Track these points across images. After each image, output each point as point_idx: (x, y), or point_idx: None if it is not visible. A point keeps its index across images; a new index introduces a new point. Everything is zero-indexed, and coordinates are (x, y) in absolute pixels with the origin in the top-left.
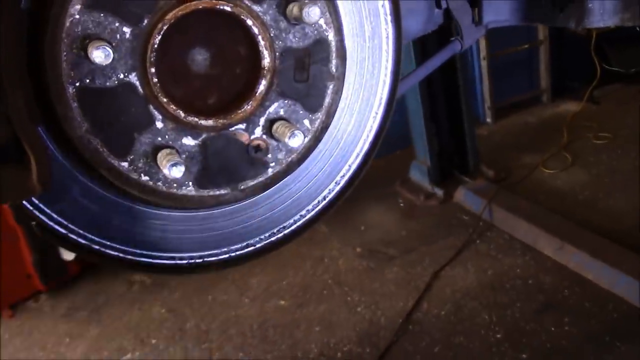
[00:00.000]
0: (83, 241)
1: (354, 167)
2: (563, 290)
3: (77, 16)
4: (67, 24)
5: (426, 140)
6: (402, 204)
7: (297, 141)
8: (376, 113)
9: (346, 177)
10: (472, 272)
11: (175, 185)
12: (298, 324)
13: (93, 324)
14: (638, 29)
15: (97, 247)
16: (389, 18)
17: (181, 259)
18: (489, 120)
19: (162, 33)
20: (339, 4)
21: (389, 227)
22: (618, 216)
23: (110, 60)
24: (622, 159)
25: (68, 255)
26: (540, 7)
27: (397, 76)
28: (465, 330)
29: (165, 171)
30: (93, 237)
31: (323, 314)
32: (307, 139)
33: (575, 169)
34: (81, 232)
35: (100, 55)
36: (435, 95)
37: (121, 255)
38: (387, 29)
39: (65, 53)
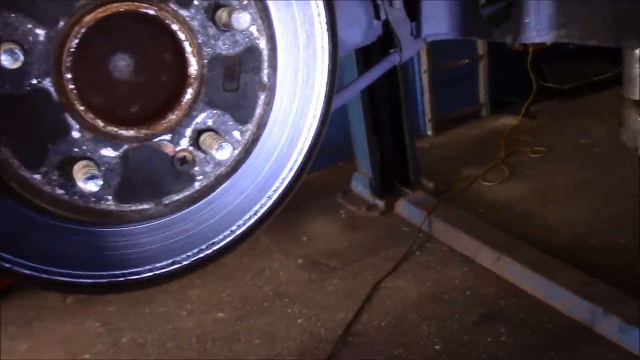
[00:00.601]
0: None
1: (287, 180)
2: (500, 302)
3: None
4: None
5: (368, 152)
6: (344, 215)
7: (225, 153)
8: (311, 125)
9: (279, 191)
10: (412, 283)
11: (93, 199)
12: (238, 337)
13: (23, 338)
14: (572, 46)
15: (8, 265)
16: (324, 27)
17: (101, 277)
18: (429, 132)
19: (79, 36)
20: (272, 11)
21: (331, 239)
22: (554, 229)
23: (20, 64)
24: (557, 172)
25: None
26: (478, 22)
27: (332, 88)
28: (405, 341)
29: (81, 184)
30: (4, 254)
31: (263, 327)
32: (236, 152)
33: (513, 182)
34: None
35: (7, 59)
36: (377, 108)
37: (35, 274)
38: (322, 39)
39: None
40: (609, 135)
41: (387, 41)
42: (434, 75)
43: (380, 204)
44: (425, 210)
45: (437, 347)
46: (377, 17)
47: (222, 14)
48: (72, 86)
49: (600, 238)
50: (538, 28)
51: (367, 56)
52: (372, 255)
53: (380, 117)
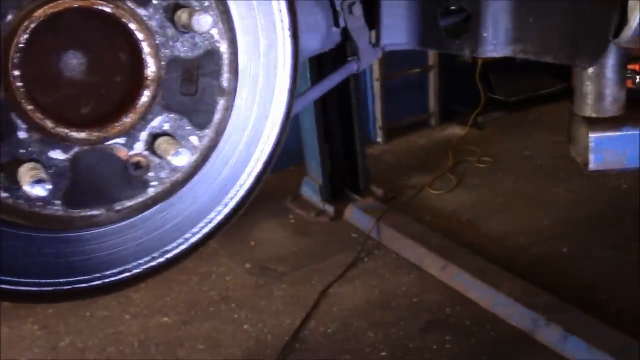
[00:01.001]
0: None
1: (244, 188)
2: (446, 309)
3: None
4: None
5: (319, 158)
6: (292, 220)
7: (182, 159)
8: (270, 132)
9: (236, 199)
10: (359, 290)
11: (39, 203)
12: (182, 342)
13: None
14: (518, 59)
15: None
16: (286, 33)
17: (46, 285)
18: (379, 139)
19: (29, 31)
20: (233, 13)
21: (279, 243)
22: (499, 237)
23: None
24: (502, 182)
25: None
26: (437, 34)
27: (293, 94)
28: (351, 348)
29: (27, 188)
30: None
31: (208, 332)
32: (194, 157)
33: (460, 191)
34: None
35: None
36: (328, 114)
37: None
38: (284, 44)
39: None
40: (553, 147)
41: (341, 49)
42: (385, 83)
43: (330, 209)
44: (374, 217)
45: (383, 353)
46: (336, 24)
47: (181, 15)
48: (20, 84)
49: (543, 247)
50: (495, 42)
51: (319, 64)
52: (320, 261)
53: (331, 124)
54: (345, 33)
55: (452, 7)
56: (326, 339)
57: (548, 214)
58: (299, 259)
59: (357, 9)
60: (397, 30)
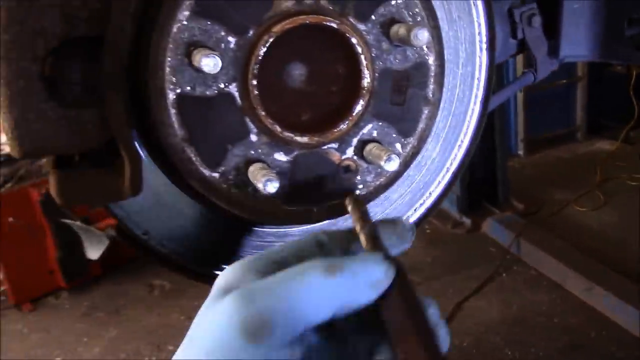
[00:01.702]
0: (163, 250)
1: (434, 195)
2: (590, 332)
3: (185, 22)
4: (175, 29)
5: None
6: (428, 231)
7: (393, 165)
8: (461, 142)
9: (425, 205)
10: (496, 305)
11: (263, 199)
12: None
13: (111, 325)
14: None
15: (175, 257)
16: (484, 46)
17: None
18: (521, 152)
19: (267, 45)
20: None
21: (414, 253)
22: None
23: (218, 69)
24: None
25: (94, 255)
26: (622, 45)
27: (486, 105)
28: None
29: (260, 186)
30: (173, 246)
31: None
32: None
33: (607, 209)
34: (163, 241)
35: (209, 63)
36: None
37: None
38: (480, 57)
39: (169, 59)
40: None
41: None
42: (529, 94)
43: (467, 221)
44: (514, 232)
45: None
46: (514, 35)
47: (399, 30)
48: (256, 92)
49: None
50: None
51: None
52: (455, 273)
53: None
54: (523, 44)
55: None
56: (460, 352)
57: None
58: (433, 270)
59: (537, 21)
60: (578, 41)
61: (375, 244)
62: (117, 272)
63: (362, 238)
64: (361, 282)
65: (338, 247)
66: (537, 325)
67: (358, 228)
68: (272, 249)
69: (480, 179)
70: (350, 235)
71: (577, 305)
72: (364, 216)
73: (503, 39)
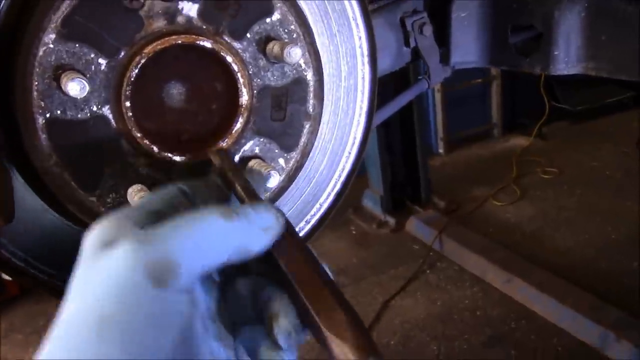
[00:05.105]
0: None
1: (325, 206)
2: (510, 323)
3: (51, 45)
4: (41, 52)
5: (380, 170)
6: (354, 232)
7: (273, 181)
8: (349, 153)
9: (317, 216)
10: (421, 302)
11: None
12: None
13: (31, 346)
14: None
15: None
16: (366, 59)
17: None
18: (441, 151)
19: (139, 66)
20: (318, 43)
21: (340, 255)
22: (563, 251)
23: (86, 93)
24: (567, 194)
25: (7, 275)
26: (507, 52)
27: (371, 116)
28: None
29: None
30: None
31: None
32: (281, 179)
33: (524, 203)
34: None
35: (75, 87)
36: (390, 126)
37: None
38: (363, 70)
39: (36, 83)
40: (621, 159)
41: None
42: (447, 94)
43: (391, 221)
44: (436, 229)
45: None
46: (407, 44)
47: (273, 47)
48: (130, 114)
49: (610, 262)
50: (566, 60)
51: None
52: (381, 272)
53: (392, 136)
54: (416, 52)
55: (522, 25)
56: (388, 351)
57: (616, 228)
58: (360, 270)
59: (428, 29)
60: (467, 48)
61: (255, 194)
62: (36, 292)
63: (239, 189)
64: (255, 227)
65: (203, 198)
66: (461, 320)
67: (232, 179)
68: (139, 202)
69: (403, 178)
70: (211, 184)
71: (498, 298)
72: (234, 168)
73: (397, 47)
